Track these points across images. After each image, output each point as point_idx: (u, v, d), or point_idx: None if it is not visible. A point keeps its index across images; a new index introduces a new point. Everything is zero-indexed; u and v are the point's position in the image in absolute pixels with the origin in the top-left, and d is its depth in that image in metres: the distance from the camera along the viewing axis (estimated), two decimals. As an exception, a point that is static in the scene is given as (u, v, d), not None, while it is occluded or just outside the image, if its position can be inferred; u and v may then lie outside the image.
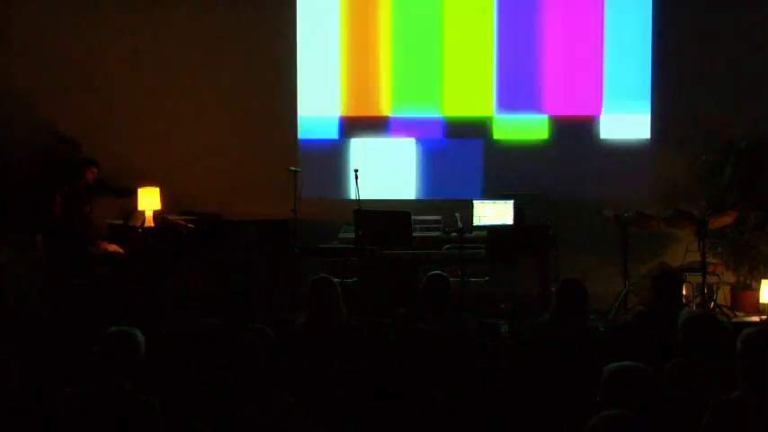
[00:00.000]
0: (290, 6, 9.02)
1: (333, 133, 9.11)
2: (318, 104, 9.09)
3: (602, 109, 8.96)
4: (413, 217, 7.77)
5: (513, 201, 8.20)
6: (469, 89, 8.99)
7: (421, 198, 9.01)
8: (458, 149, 9.04)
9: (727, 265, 8.41)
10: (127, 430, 3.46)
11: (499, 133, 9.01)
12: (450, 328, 4.81)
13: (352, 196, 8.10)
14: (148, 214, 8.04)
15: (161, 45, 8.94)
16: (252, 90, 8.94)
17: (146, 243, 7.70)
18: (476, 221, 8.18)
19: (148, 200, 8.13)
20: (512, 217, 8.14)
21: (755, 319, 7.79)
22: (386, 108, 9.04)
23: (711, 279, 7.90)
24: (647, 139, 8.94)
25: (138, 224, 8.00)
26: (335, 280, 5.03)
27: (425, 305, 5.12)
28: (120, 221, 8.11)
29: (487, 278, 7.94)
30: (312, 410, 3.73)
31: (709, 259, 7.89)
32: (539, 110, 8.96)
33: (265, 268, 7.97)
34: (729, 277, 8.45)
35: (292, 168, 7.95)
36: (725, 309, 7.93)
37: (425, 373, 3.71)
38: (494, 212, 8.21)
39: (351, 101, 9.07)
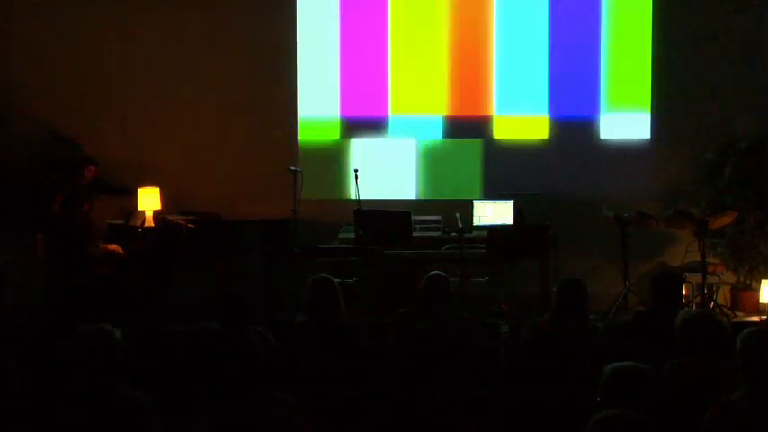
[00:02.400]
0: (290, 6, 9.02)
1: (333, 133, 9.11)
2: (318, 104, 9.09)
3: (602, 109, 8.96)
4: (413, 217, 7.78)
5: (513, 201, 8.20)
6: (470, 89, 8.99)
7: (421, 198, 9.01)
8: (458, 149, 9.04)
9: (727, 265, 8.41)
10: (117, 427, 3.45)
11: (499, 133, 9.01)
12: (449, 327, 4.81)
13: (353, 196, 8.10)
14: (148, 214, 8.04)
15: (161, 45, 8.94)
16: (252, 90, 8.94)
17: (146, 243, 7.69)
18: (476, 221, 8.18)
19: (148, 200, 8.13)
20: (512, 217, 8.13)
21: (755, 319, 7.80)
22: (386, 108, 9.04)
23: (711, 279, 7.90)
24: (647, 139, 8.94)
25: (138, 224, 8.00)
26: (335, 280, 5.03)
27: (425, 305, 5.12)
28: (120, 221, 8.10)
29: (487, 278, 7.94)
30: (312, 410, 3.73)
31: (710, 259, 7.90)
32: (539, 110, 8.96)
33: (265, 268, 7.97)
34: (729, 277, 8.46)
35: (292, 168, 7.95)
36: (725, 309, 7.93)
37: (425, 373, 3.71)
38: (494, 212, 8.20)
39: (351, 101, 9.07)
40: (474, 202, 8.31)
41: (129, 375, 3.75)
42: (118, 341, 3.59)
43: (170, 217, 8.03)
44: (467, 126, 9.03)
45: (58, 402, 3.49)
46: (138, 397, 3.55)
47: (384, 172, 8.99)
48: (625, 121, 8.95)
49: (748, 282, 8.42)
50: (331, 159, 9.06)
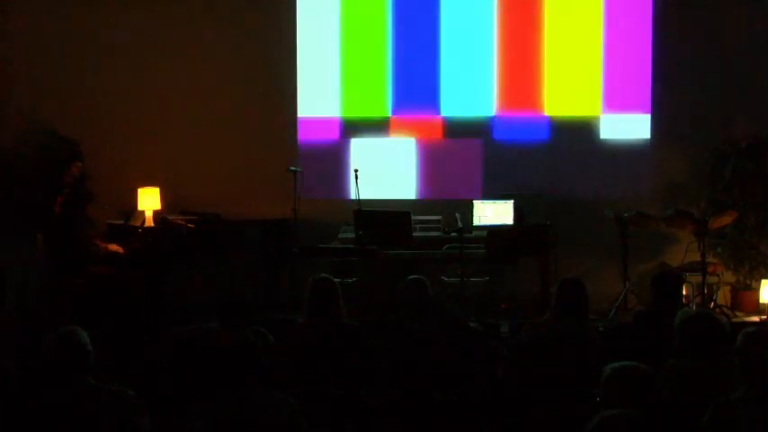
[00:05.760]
0: (290, 7, 9.03)
1: (333, 134, 9.11)
2: (318, 105, 9.09)
3: (602, 109, 8.96)
4: (413, 217, 7.78)
5: (513, 201, 8.20)
6: (469, 89, 9.00)
7: (421, 198, 9.01)
8: (458, 149, 9.04)
9: (727, 265, 8.41)
10: (102, 422, 3.46)
11: (499, 133, 9.01)
12: (440, 329, 4.79)
13: (353, 196, 8.11)
14: (148, 214, 8.04)
15: (161, 45, 8.94)
16: (252, 90, 8.94)
17: (146, 243, 7.69)
18: (476, 221, 8.18)
19: (148, 200, 8.13)
20: (512, 217, 8.14)
21: (755, 319, 7.81)
22: (386, 108, 9.04)
23: (711, 279, 7.90)
24: (647, 139, 8.94)
25: (138, 224, 8.00)
26: (335, 280, 5.03)
27: (408, 308, 5.09)
28: (120, 221, 8.10)
29: (487, 278, 7.95)
30: (312, 410, 3.73)
31: (709, 259, 7.90)
32: (539, 110, 8.96)
33: (265, 268, 7.97)
34: (729, 277, 8.45)
35: (292, 168, 7.95)
36: (725, 309, 7.92)
37: (423, 373, 3.71)
38: (494, 212, 8.21)
39: (351, 101, 9.07)
40: (474, 202, 8.31)
41: (129, 374, 3.75)
42: (86, 342, 3.59)
43: (170, 217, 8.03)
44: (467, 126, 9.03)
45: (40, 402, 3.50)
46: (117, 391, 3.55)
47: (384, 172, 9.00)
48: (625, 121, 8.95)
49: (748, 282, 8.42)
50: (331, 159, 9.06)
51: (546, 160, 8.89)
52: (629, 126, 8.94)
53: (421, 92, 9.02)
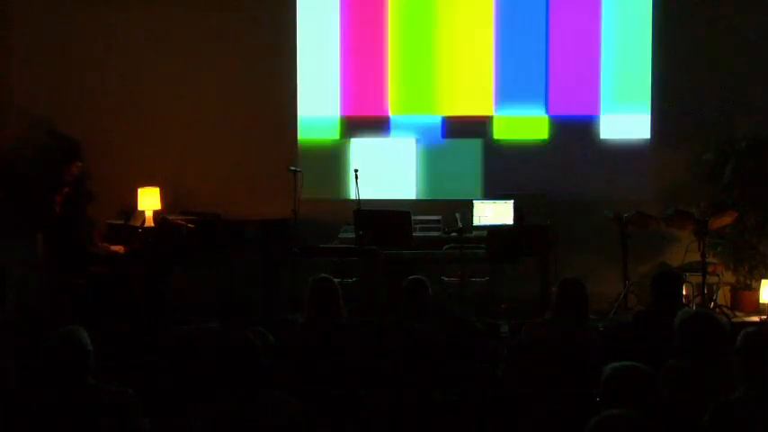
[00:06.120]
0: (290, 6, 9.03)
1: (333, 133, 9.11)
2: (318, 104, 9.09)
3: (602, 109, 8.96)
4: (413, 217, 7.78)
5: (513, 201, 8.20)
6: (469, 89, 9.00)
7: (421, 198, 9.01)
8: (458, 149, 9.04)
9: (727, 265, 8.41)
10: (102, 422, 3.46)
11: (499, 133, 9.01)
12: (441, 328, 4.80)
13: (352, 196, 8.11)
14: (148, 214, 8.04)
15: (161, 45, 8.94)
16: (252, 90, 8.94)
17: (146, 243, 7.69)
18: (476, 221, 8.18)
19: (148, 200, 8.14)
20: (512, 217, 8.14)
21: (755, 319, 7.81)
22: (386, 108, 9.04)
23: (711, 279, 7.90)
24: (647, 139, 8.94)
25: (138, 224, 8.00)
26: (335, 280, 5.03)
27: (407, 307, 5.10)
28: (120, 221, 8.11)
29: (487, 278, 7.95)
30: (312, 410, 3.73)
31: (710, 259, 7.90)
32: (538, 109, 8.96)
33: (265, 268, 7.97)
34: (729, 277, 8.46)
35: (292, 168, 7.95)
36: (725, 309, 7.93)
37: (423, 373, 3.71)
38: (494, 212, 8.21)
39: (351, 101, 9.08)
40: (474, 202, 8.31)
41: (129, 374, 3.75)
42: (86, 342, 3.59)
43: (170, 217, 8.03)
44: (467, 126, 9.03)
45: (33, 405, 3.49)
46: (117, 391, 3.55)
47: (384, 172, 9.00)
48: (625, 121, 8.95)
49: (748, 282, 8.42)
50: (331, 159, 9.06)
51: (546, 160, 8.89)
52: (629, 126, 8.94)
53: (421, 92, 9.02)
